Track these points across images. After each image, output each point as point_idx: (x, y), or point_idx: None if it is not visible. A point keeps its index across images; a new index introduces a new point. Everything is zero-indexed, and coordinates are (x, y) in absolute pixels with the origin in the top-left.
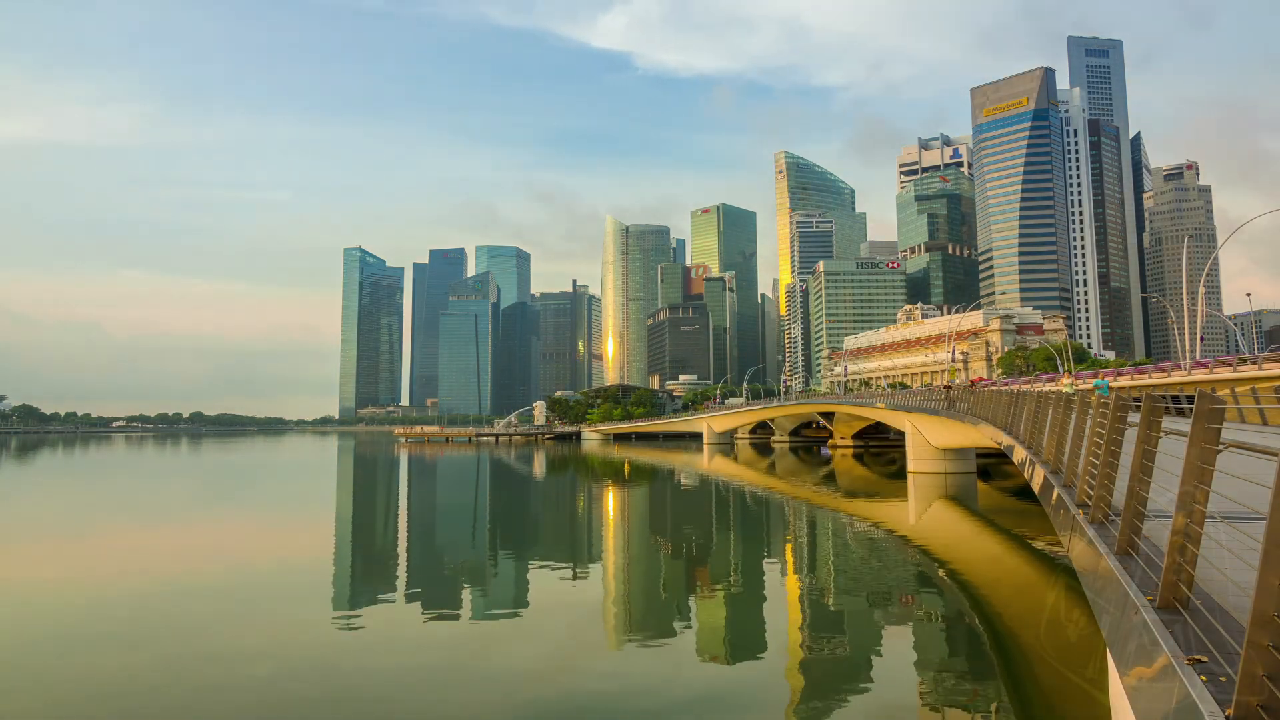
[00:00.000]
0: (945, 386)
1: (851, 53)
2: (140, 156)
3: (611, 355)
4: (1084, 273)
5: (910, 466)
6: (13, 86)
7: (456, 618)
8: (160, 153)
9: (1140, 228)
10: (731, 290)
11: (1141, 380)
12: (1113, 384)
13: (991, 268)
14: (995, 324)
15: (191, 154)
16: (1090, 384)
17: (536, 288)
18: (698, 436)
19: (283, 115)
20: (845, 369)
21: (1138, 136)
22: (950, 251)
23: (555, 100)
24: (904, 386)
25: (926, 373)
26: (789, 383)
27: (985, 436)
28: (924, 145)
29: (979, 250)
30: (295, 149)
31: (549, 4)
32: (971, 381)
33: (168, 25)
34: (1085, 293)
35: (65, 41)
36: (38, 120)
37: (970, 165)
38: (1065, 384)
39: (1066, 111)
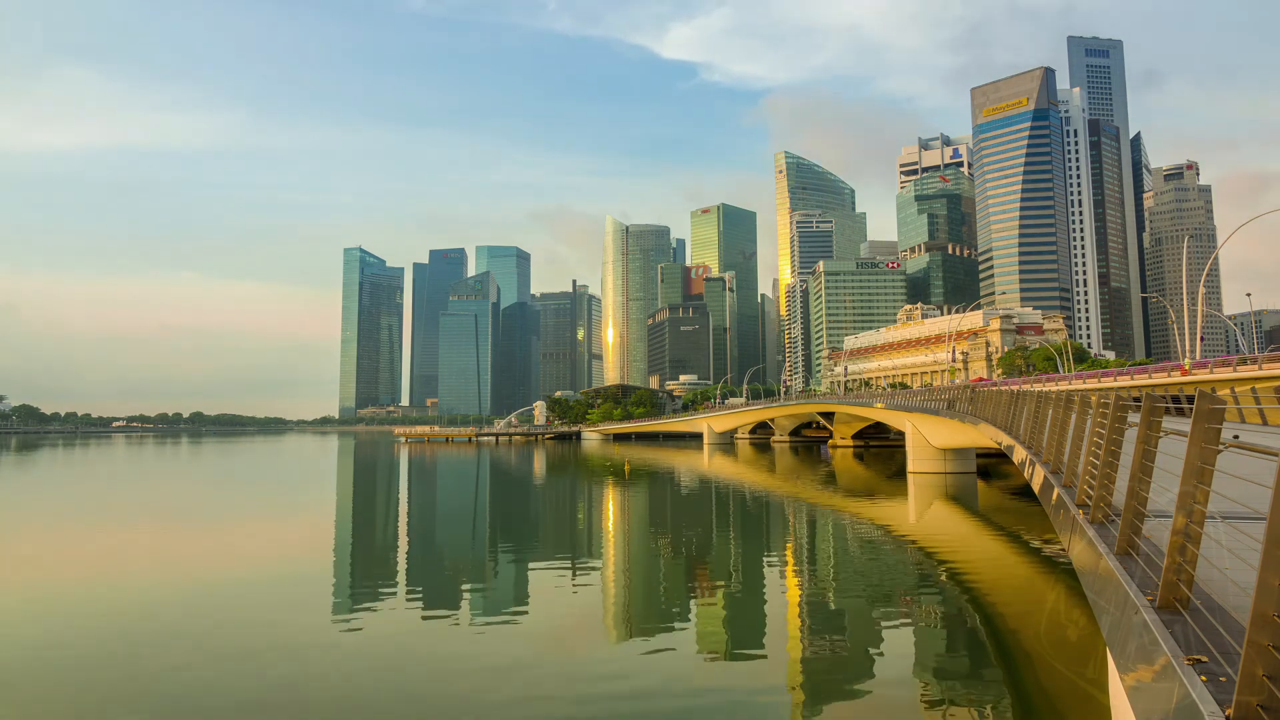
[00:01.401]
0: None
1: (850, 52)
2: (184, 162)
3: (611, 355)
4: (1084, 273)
5: (910, 466)
6: (108, 95)
7: (457, 618)
8: (199, 158)
9: (1140, 228)
10: (731, 290)
11: (1141, 380)
12: (1113, 384)
13: (991, 268)
14: (995, 324)
15: (237, 159)
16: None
17: (536, 288)
18: (698, 436)
19: (352, 123)
20: (845, 369)
21: (1138, 136)
22: (950, 251)
23: (584, 109)
24: (904, 386)
25: (927, 373)
26: (789, 383)
27: (985, 436)
28: (924, 145)
29: (979, 250)
30: (343, 156)
31: (616, 16)
32: (974, 380)
33: (257, 35)
34: (1085, 293)
35: (162, 52)
36: (128, 127)
37: (970, 165)
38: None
39: (1066, 111)
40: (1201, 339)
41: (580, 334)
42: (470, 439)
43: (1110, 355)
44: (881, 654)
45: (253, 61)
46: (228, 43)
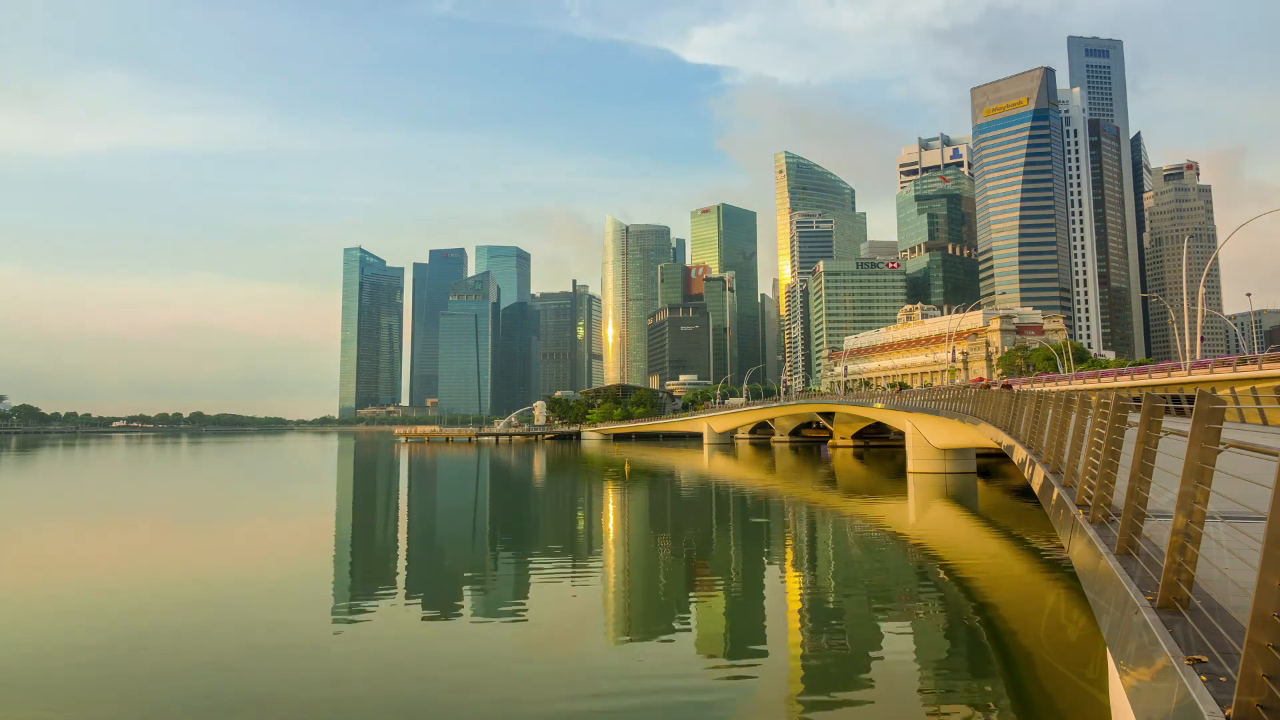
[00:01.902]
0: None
1: (848, 52)
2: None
3: (611, 355)
4: (1084, 273)
5: (910, 466)
6: (122, 98)
7: (457, 618)
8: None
9: (1140, 228)
10: (731, 290)
11: (1141, 380)
12: (1113, 384)
13: (991, 268)
14: (995, 324)
15: (239, 161)
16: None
17: (536, 288)
18: (698, 436)
19: (354, 125)
20: (845, 369)
21: (1138, 136)
22: (950, 251)
23: (596, 111)
24: (904, 386)
25: (927, 373)
26: (789, 383)
27: (985, 436)
28: (924, 145)
29: (979, 250)
30: (345, 156)
31: (640, 21)
32: (974, 380)
33: (270, 38)
34: (1085, 293)
35: (175, 55)
36: (133, 130)
37: (970, 165)
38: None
39: (1067, 111)
40: (1201, 339)
41: (580, 334)
42: (470, 439)
43: (1110, 355)
44: (881, 654)
45: (260, 64)
46: (235, 44)
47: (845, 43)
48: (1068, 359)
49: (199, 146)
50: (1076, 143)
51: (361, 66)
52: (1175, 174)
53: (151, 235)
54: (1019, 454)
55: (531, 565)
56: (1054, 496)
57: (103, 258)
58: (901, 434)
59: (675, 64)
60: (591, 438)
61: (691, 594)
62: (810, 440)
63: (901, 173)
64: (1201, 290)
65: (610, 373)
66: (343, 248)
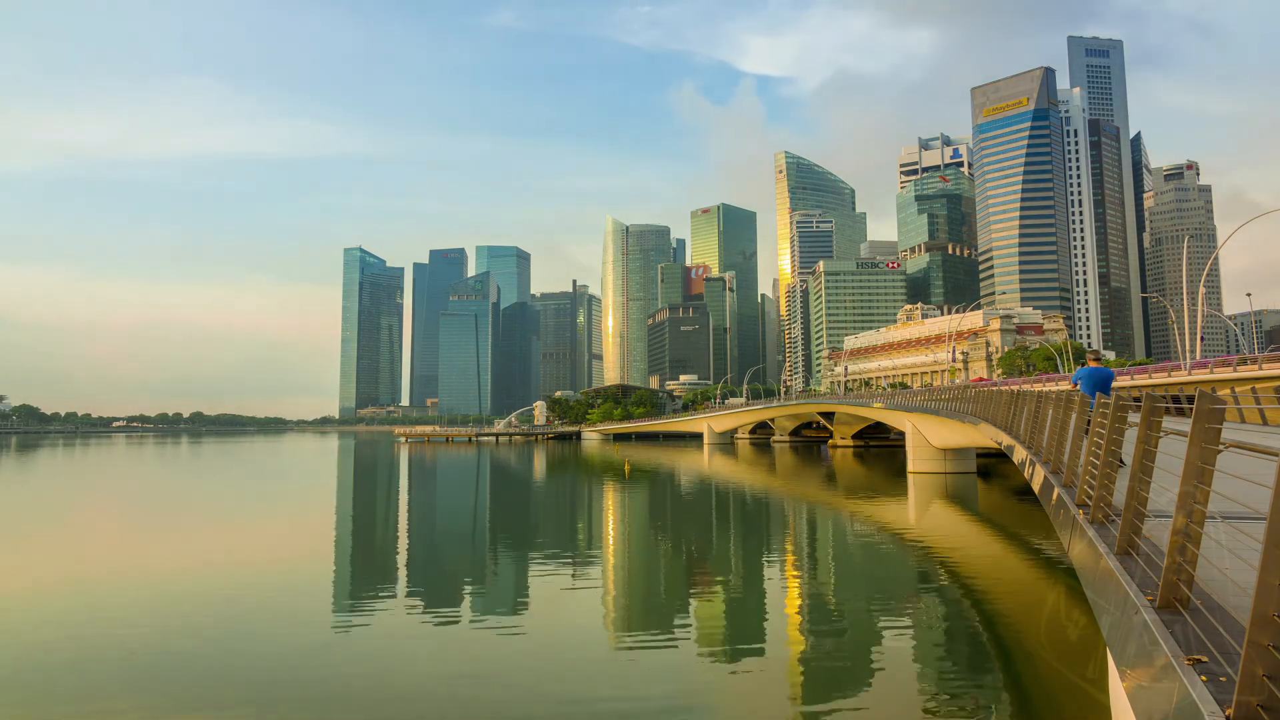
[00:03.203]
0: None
1: (844, 52)
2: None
3: (611, 355)
4: (1084, 273)
5: (910, 466)
6: (231, 103)
7: (456, 618)
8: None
9: (1140, 228)
10: (731, 290)
11: (1142, 380)
12: (1113, 384)
13: (991, 268)
14: (995, 324)
15: (241, 163)
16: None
17: (536, 288)
18: (698, 436)
19: (354, 124)
20: (845, 369)
21: (1138, 136)
22: (950, 251)
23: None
24: (904, 386)
25: (927, 373)
26: (789, 383)
27: (985, 436)
28: (924, 145)
29: (979, 250)
30: (346, 156)
31: (697, 31)
32: (974, 380)
33: (273, 33)
34: (1085, 293)
35: (270, 63)
36: (243, 134)
37: (970, 165)
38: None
39: (1067, 111)
40: (1202, 339)
41: (580, 333)
42: (470, 439)
43: (1110, 355)
44: (881, 654)
45: (269, 70)
46: (232, 44)
47: (850, 45)
48: (1068, 359)
49: (209, 151)
50: (1076, 143)
51: (383, 76)
52: (1175, 174)
53: (151, 236)
54: (1019, 454)
55: (531, 565)
56: (1054, 496)
57: (112, 259)
58: (901, 434)
59: (736, 74)
60: (591, 438)
61: (691, 594)
62: (810, 440)
63: (901, 173)
64: (1201, 290)
65: (610, 373)
66: (343, 248)
